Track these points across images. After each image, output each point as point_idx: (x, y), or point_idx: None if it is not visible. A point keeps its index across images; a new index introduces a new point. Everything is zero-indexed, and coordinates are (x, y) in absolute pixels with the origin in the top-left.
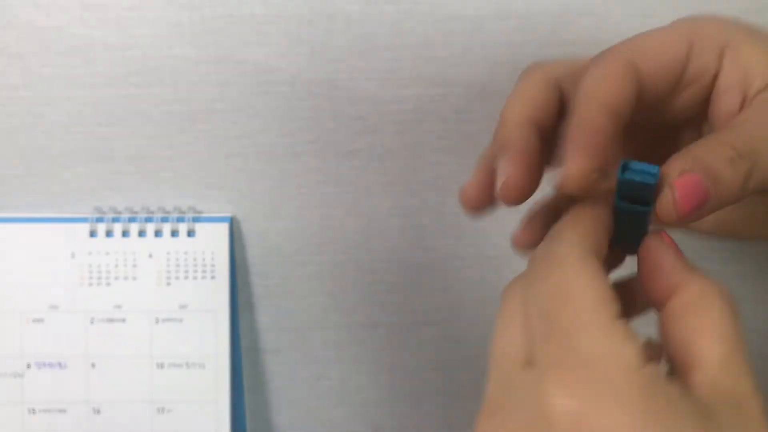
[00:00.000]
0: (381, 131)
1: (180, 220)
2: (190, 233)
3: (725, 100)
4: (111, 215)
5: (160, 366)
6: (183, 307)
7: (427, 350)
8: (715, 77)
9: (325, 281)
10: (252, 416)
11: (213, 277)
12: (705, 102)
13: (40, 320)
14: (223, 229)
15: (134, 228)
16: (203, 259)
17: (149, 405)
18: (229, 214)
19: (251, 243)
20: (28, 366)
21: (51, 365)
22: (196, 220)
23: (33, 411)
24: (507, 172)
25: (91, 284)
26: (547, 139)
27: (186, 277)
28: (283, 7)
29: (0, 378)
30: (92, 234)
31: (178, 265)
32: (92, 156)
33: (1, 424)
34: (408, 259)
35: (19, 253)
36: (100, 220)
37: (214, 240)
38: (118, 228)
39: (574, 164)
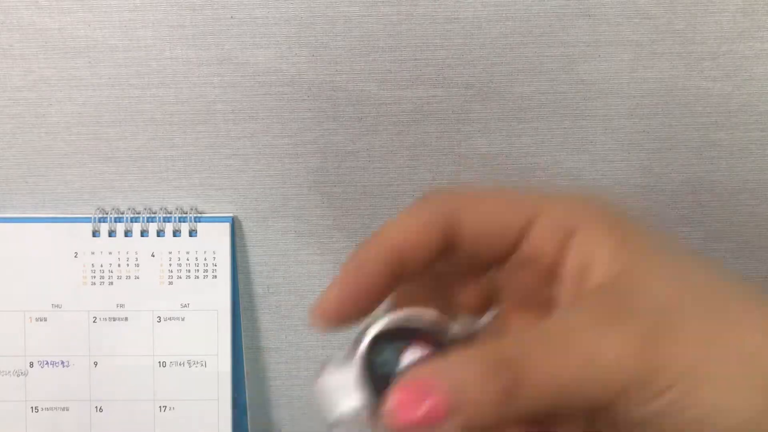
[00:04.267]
0: (381, 131)
1: (182, 219)
2: (192, 233)
3: (561, 293)
4: (113, 215)
5: (162, 364)
6: (185, 306)
7: None
8: (555, 264)
9: (326, 280)
10: (253, 414)
11: (215, 277)
12: (546, 285)
13: (43, 319)
14: (225, 228)
15: (136, 228)
16: (205, 259)
17: (151, 403)
18: (230, 214)
19: (252, 242)
20: (31, 364)
21: (54, 363)
22: (197, 219)
23: (36, 409)
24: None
25: (93, 283)
26: (417, 272)
27: (188, 277)
28: (284, 9)
29: (3, 376)
30: (95, 234)
31: (180, 265)
32: (95, 156)
33: (5, 422)
34: None
35: (22, 253)
36: (102, 220)
37: (215, 239)
38: (120, 228)
39: (330, 293)
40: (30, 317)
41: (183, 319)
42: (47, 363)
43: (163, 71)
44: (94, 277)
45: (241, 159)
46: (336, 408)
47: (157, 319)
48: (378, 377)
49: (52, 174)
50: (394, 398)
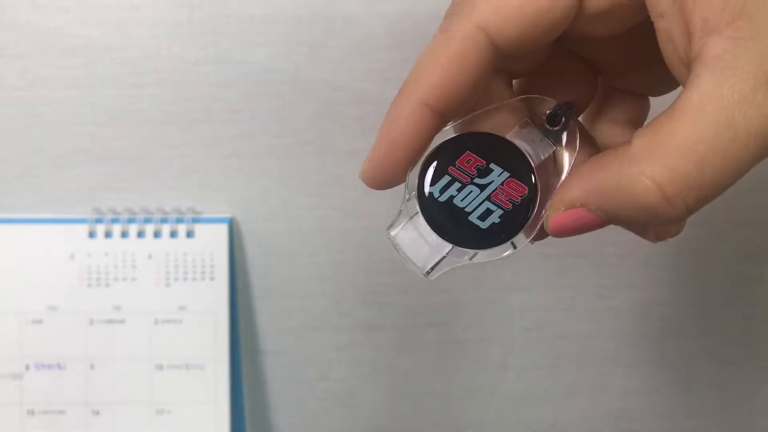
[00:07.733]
0: None
1: (179, 221)
2: (189, 234)
3: (665, 45)
4: (110, 216)
5: (159, 367)
6: (182, 308)
7: (428, 352)
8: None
9: (325, 282)
10: (251, 418)
11: (212, 279)
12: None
13: (39, 321)
14: (223, 229)
15: (133, 229)
16: (202, 260)
17: (148, 406)
18: (228, 215)
19: (250, 244)
20: (27, 367)
21: (50, 366)
22: (195, 221)
23: (32, 412)
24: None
25: (90, 285)
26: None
27: (185, 279)
28: (283, 8)
29: None
30: (91, 235)
31: (177, 266)
32: (91, 157)
33: (0, 426)
34: None
35: (18, 254)
36: (99, 221)
37: (213, 241)
38: (117, 229)
39: (373, 155)
40: (26, 319)
41: (180, 322)
42: (43, 366)
43: (160, 70)
44: (91, 278)
45: (240, 159)
46: (423, 261)
47: (154, 322)
48: (444, 206)
49: (47, 174)
50: (553, 221)
